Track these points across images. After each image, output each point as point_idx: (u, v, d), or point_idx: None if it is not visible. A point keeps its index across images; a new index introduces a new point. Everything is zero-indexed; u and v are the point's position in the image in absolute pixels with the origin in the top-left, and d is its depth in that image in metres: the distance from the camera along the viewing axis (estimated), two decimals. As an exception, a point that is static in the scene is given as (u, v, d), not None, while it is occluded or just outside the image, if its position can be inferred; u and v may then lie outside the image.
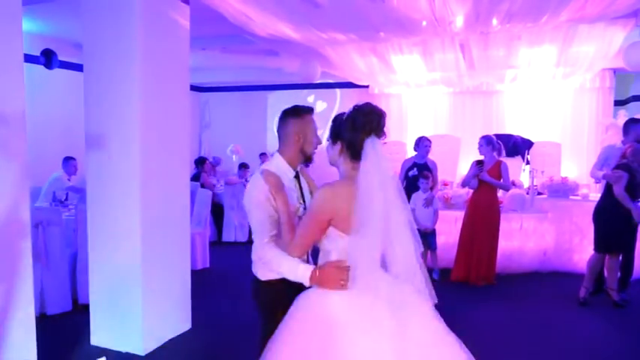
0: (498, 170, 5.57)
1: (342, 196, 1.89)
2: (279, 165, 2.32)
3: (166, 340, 3.98)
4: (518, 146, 8.53)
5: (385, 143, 1.94)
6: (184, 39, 4.13)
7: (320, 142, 2.37)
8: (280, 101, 10.06)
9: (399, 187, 1.96)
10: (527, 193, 6.59)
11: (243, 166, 8.66)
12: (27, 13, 4.41)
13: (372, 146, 1.89)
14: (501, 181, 5.58)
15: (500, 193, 5.92)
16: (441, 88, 9.14)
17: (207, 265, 6.31)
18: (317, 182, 2.43)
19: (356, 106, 1.96)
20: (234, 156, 10.36)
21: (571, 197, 6.57)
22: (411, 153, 6.75)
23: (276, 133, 2.42)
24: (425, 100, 9.86)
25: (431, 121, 9.81)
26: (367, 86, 9.91)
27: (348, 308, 1.85)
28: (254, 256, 2.26)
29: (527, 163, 8.25)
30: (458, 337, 1.94)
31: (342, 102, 10.70)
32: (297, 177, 2.37)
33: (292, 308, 1.98)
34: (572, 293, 5.18)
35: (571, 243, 6.14)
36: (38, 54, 6.76)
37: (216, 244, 7.61)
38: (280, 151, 2.35)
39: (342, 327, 1.82)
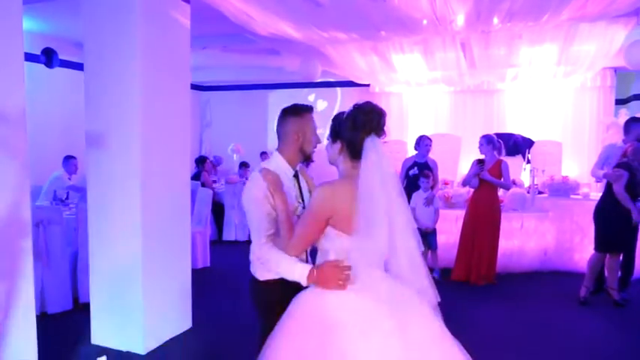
0: (499, 169, 5.57)
1: (342, 196, 1.88)
2: (279, 164, 2.30)
3: (167, 339, 3.98)
4: (518, 145, 8.53)
5: (385, 142, 1.93)
6: (185, 38, 4.13)
7: (319, 142, 2.36)
8: (281, 100, 10.04)
9: (400, 186, 1.96)
10: (528, 192, 6.59)
11: (244, 165, 8.66)
12: (27, 12, 4.41)
13: (372, 145, 1.88)
14: (502, 180, 5.58)
15: (500, 192, 5.92)
16: (441, 87, 9.13)
17: (208, 264, 6.32)
18: (317, 182, 2.42)
19: (356, 104, 1.95)
20: (234, 155, 10.36)
21: (572, 196, 6.56)
22: (411, 152, 6.74)
23: (275, 132, 2.41)
24: (426, 99, 9.86)
25: (432, 120, 9.80)
26: (368, 85, 9.91)
27: (346, 308, 1.84)
28: (252, 256, 2.25)
29: (528, 162, 8.25)
30: (458, 337, 1.94)
31: (342, 101, 10.69)
32: (296, 176, 2.36)
33: (290, 308, 1.97)
34: (573, 292, 5.18)
35: (572, 242, 6.14)
36: (39, 53, 6.75)
37: (217, 243, 7.63)
38: (279, 149, 2.34)
39: (340, 327, 1.81)
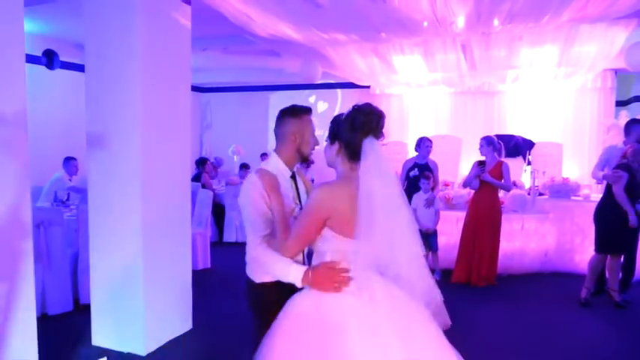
0: (499, 171, 5.57)
1: (340, 197, 1.87)
2: (276, 164, 2.28)
3: (167, 340, 3.98)
4: (519, 147, 8.53)
5: (384, 145, 1.92)
6: (186, 39, 4.13)
7: (317, 143, 2.34)
8: (281, 102, 10.06)
9: (400, 187, 1.95)
10: (529, 194, 6.58)
11: (244, 167, 8.67)
12: (29, 14, 4.42)
13: (370, 147, 1.87)
14: (502, 181, 5.57)
15: (501, 193, 5.91)
16: (442, 88, 9.14)
17: (209, 266, 6.32)
18: (318, 183, 2.42)
19: (355, 105, 1.94)
20: (235, 156, 10.37)
21: (572, 198, 6.56)
22: (412, 153, 6.75)
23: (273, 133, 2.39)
24: (426, 100, 9.87)
25: (432, 121, 9.81)
26: (368, 87, 9.91)
27: (344, 311, 1.82)
28: (248, 258, 2.23)
29: (529, 163, 8.24)
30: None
31: (343, 102, 10.70)
32: (293, 177, 2.34)
33: (285, 309, 1.95)
34: (574, 294, 5.18)
35: (572, 243, 6.14)
36: (40, 54, 6.76)
37: (217, 244, 7.63)
38: (277, 150, 2.32)
39: (338, 330, 1.79)
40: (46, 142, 6.90)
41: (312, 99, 10.90)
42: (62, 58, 6.98)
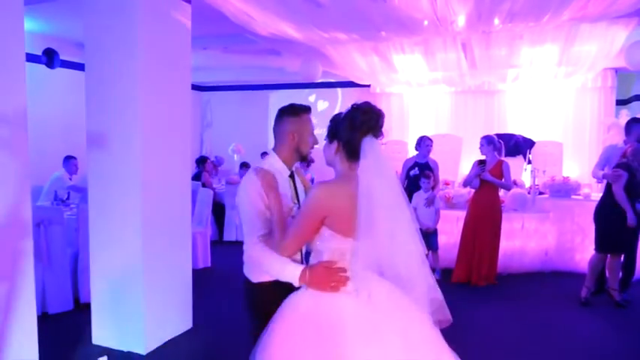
0: (500, 170, 5.57)
1: (338, 195, 1.86)
2: (274, 163, 2.26)
3: (167, 339, 3.98)
4: (519, 146, 8.53)
5: (384, 144, 1.91)
6: (186, 38, 4.13)
7: (316, 142, 2.32)
8: (282, 101, 10.05)
9: (399, 185, 1.94)
10: (529, 193, 6.58)
11: (245, 166, 8.65)
12: (29, 13, 4.42)
13: (369, 146, 1.86)
14: (503, 180, 5.57)
15: (501, 192, 5.91)
16: (442, 87, 9.13)
17: (209, 265, 6.32)
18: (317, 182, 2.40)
19: (354, 104, 1.92)
20: (235, 155, 10.37)
21: (573, 197, 6.56)
22: (412, 152, 6.74)
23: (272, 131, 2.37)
24: (426, 99, 9.86)
25: (432, 120, 9.80)
26: (369, 85, 9.91)
27: (342, 311, 1.81)
28: (245, 257, 2.21)
29: (529, 162, 8.24)
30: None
31: (343, 101, 10.70)
32: (292, 176, 2.32)
33: (282, 309, 1.94)
34: (574, 293, 5.18)
35: (572, 243, 6.14)
36: (40, 53, 6.76)
37: (218, 243, 7.62)
38: (276, 149, 2.30)
39: (336, 331, 1.78)
40: (46, 141, 6.90)
41: (312, 98, 10.89)
42: (62, 57, 6.97)
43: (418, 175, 5.83)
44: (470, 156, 7.60)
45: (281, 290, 2.00)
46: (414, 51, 7.13)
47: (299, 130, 2.25)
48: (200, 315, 4.35)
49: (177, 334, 4.09)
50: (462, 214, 5.90)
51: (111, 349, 3.80)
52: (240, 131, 11.27)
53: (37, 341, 2.80)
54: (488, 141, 5.67)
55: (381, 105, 2.01)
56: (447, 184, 7.35)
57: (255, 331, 2.11)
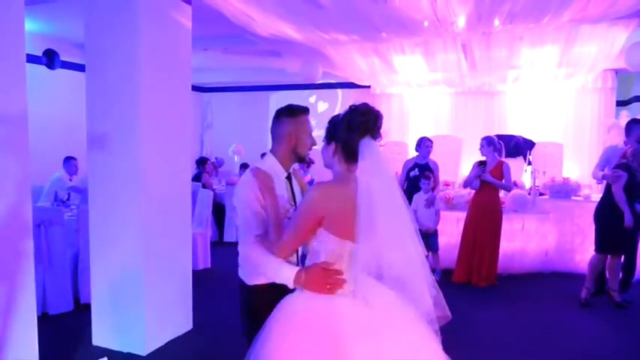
0: (500, 171, 5.57)
1: (335, 197, 1.85)
2: (271, 164, 2.25)
3: (167, 340, 3.98)
4: (519, 147, 8.52)
5: (382, 145, 1.91)
6: (186, 39, 4.13)
7: (314, 144, 2.30)
8: (282, 101, 10.06)
9: (399, 187, 1.93)
10: (529, 194, 6.58)
11: (245, 167, 8.65)
12: (29, 14, 4.41)
13: (367, 147, 1.85)
14: (503, 181, 5.58)
15: (502, 193, 5.91)
16: (442, 88, 9.13)
17: (209, 266, 6.32)
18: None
19: (352, 106, 1.91)
20: (235, 156, 10.37)
21: (573, 198, 6.56)
22: (412, 153, 6.74)
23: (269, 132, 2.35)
24: (426, 100, 9.86)
25: (432, 121, 9.80)
26: (369, 86, 9.91)
27: (335, 313, 1.80)
28: (240, 259, 2.19)
29: (529, 163, 8.24)
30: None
31: (343, 102, 10.70)
32: (289, 178, 2.30)
33: (277, 311, 1.92)
34: (574, 294, 5.18)
35: (572, 243, 6.14)
36: (40, 54, 6.76)
37: (218, 244, 7.62)
38: (273, 150, 2.29)
39: (328, 332, 1.77)
40: (47, 142, 6.90)
41: (312, 99, 10.90)
42: (63, 58, 6.98)
43: (418, 176, 5.83)
44: (470, 157, 7.60)
45: (276, 293, 1.98)
46: (414, 52, 7.13)
47: (296, 131, 2.24)
48: (200, 316, 4.35)
49: (177, 335, 4.09)
50: (462, 215, 5.90)
51: (111, 349, 3.80)
52: (241, 132, 11.27)
53: (37, 342, 2.80)
54: (488, 142, 5.68)
55: (381, 106, 2.00)
56: (447, 185, 7.35)
57: (249, 334, 2.08)
